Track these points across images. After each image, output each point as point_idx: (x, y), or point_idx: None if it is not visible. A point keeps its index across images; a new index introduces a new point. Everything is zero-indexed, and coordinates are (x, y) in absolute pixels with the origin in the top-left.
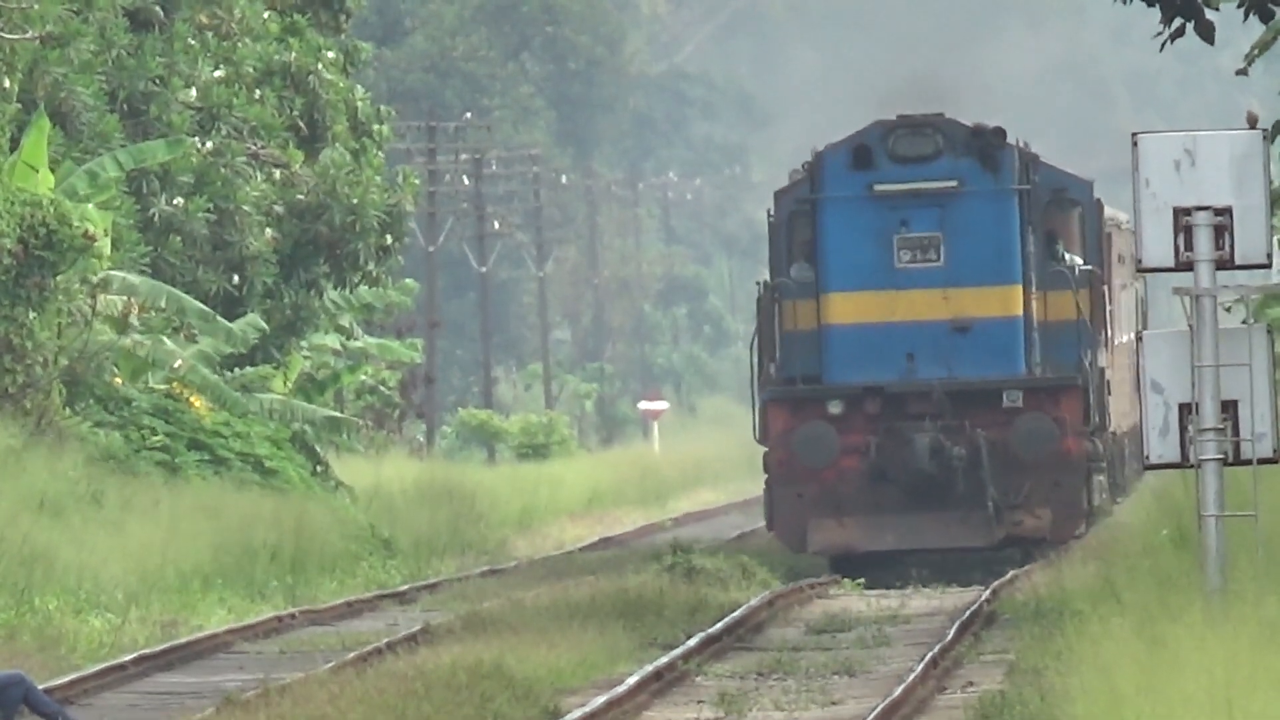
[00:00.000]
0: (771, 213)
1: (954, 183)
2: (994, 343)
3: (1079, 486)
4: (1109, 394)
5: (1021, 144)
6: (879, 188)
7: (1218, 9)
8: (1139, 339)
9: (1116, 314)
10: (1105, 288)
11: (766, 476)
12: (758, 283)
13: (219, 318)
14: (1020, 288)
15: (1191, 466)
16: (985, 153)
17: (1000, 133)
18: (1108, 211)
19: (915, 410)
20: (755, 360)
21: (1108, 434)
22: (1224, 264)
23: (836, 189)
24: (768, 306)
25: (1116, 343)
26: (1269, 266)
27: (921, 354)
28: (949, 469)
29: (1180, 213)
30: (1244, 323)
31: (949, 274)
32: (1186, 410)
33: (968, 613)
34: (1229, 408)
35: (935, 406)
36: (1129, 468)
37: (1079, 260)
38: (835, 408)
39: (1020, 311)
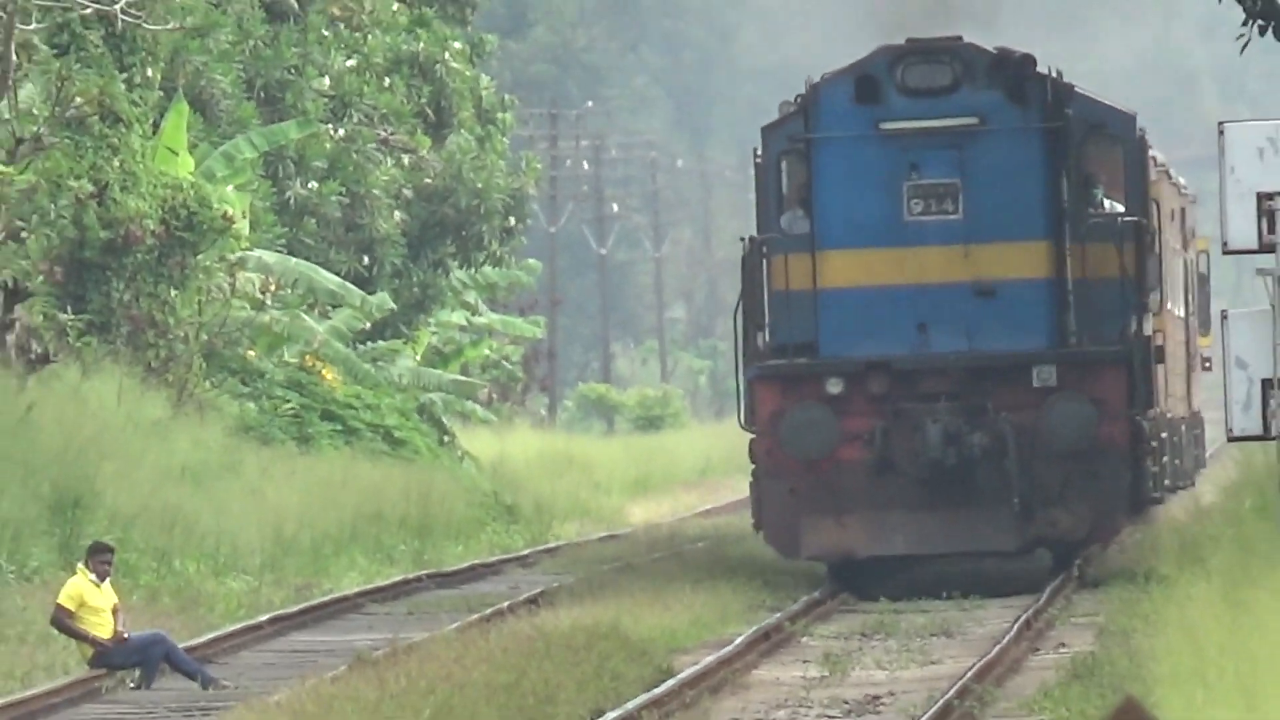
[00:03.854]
0: (759, 152)
1: (974, 120)
2: (1021, 309)
3: (1122, 479)
4: (1159, 363)
5: (1054, 72)
6: (886, 126)
7: None
8: (1224, 317)
9: (1169, 275)
10: (1153, 240)
11: (753, 468)
12: (741, 239)
13: (351, 288)
14: (1052, 244)
15: (1274, 439)
16: (1011, 84)
17: (1029, 60)
18: (1159, 159)
19: (928, 389)
20: (739, 331)
21: (1157, 415)
22: None
23: (836, 127)
24: (754, 265)
25: (1168, 310)
26: None
27: (936, 323)
28: (968, 459)
29: (1263, 197)
30: None
31: (968, 228)
32: (1268, 385)
33: (1060, 578)
34: None
35: (952, 385)
36: (1188, 457)
37: (1120, 208)
38: (834, 387)
39: (1052, 272)
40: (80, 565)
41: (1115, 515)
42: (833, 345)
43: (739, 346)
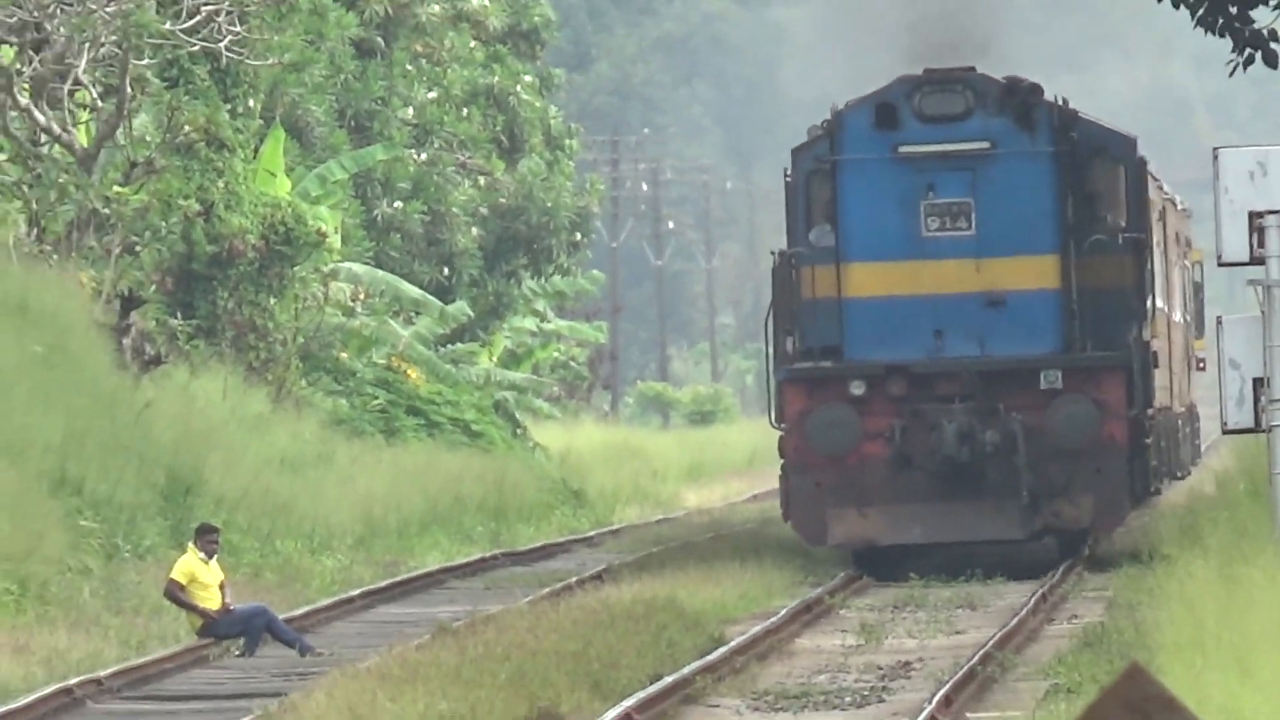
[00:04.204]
0: (789, 172)
1: (986, 144)
2: (1030, 318)
3: (1122, 474)
4: (1156, 367)
5: (1060, 100)
6: (904, 149)
7: None
8: (1219, 323)
9: (1167, 284)
10: (1151, 254)
11: (782, 463)
12: (773, 252)
13: (432, 298)
14: (1059, 258)
15: (1264, 431)
16: (1020, 111)
17: (1037, 89)
18: (1157, 179)
19: (944, 391)
20: (770, 336)
21: (1156, 413)
22: None
23: (858, 150)
24: (784, 276)
25: (1166, 316)
26: None
27: (951, 330)
28: (980, 455)
29: (1254, 215)
30: None
31: (980, 243)
32: (1259, 384)
33: (1072, 559)
34: None
35: (966, 387)
36: (1185, 449)
37: (1121, 223)
38: (857, 388)
39: (1059, 284)
40: (190, 544)
41: (1116, 507)
42: (856, 350)
43: (769, 351)
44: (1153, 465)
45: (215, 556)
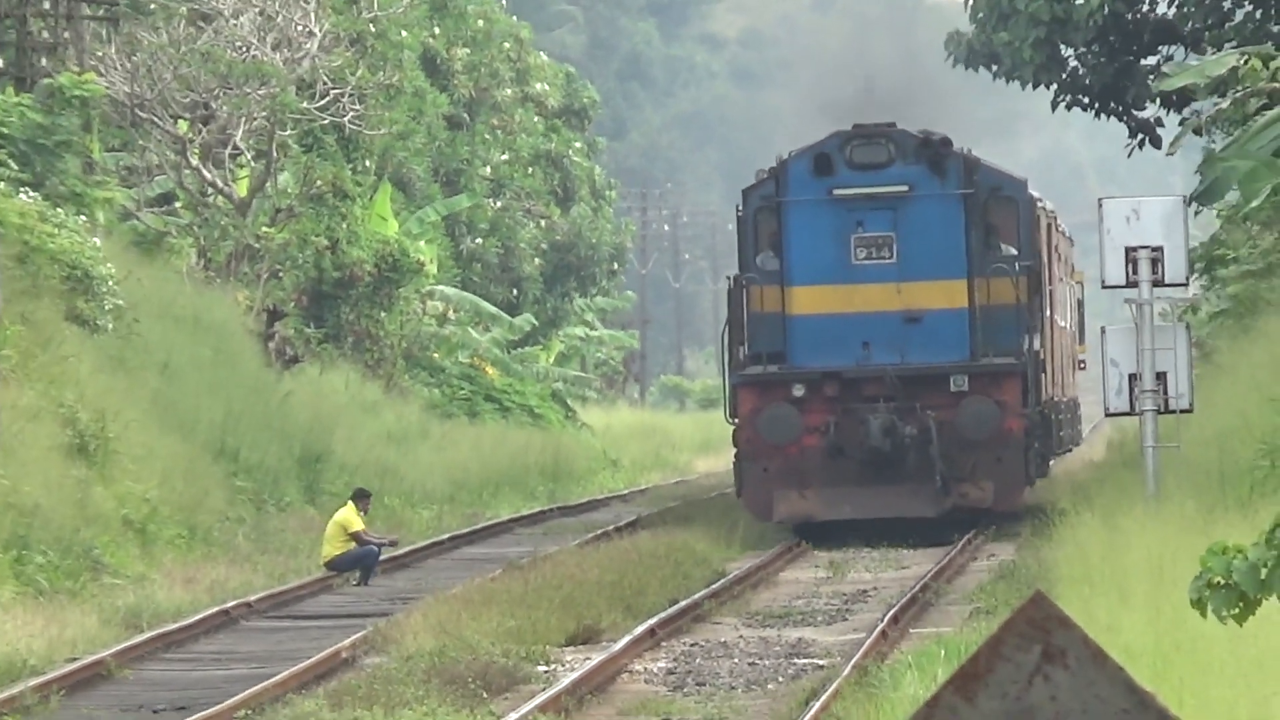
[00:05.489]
0: (740, 208)
1: (905, 187)
2: (942, 332)
3: (1019, 461)
4: (1045, 374)
5: (965, 150)
6: (837, 192)
7: (1162, 124)
8: (1103, 331)
9: (1055, 299)
10: (1042, 275)
11: (736, 451)
12: (728, 276)
13: (503, 313)
14: (966, 282)
15: (1136, 414)
16: (933, 159)
17: (947, 141)
18: (1054, 213)
19: (870, 393)
20: (726, 346)
21: (1044, 410)
22: (1157, 284)
23: (800, 193)
24: (737, 296)
25: (1053, 324)
26: (1187, 285)
27: (876, 342)
28: (901, 446)
29: (1129, 250)
30: (1169, 321)
31: (901, 269)
32: (1134, 378)
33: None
34: (1161, 377)
35: (888, 390)
36: (1068, 430)
37: (1014, 251)
38: (798, 390)
39: (966, 303)
40: (350, 503)
41: (1014, 489)
42: (798, 358)
43: (724, 359)
44: (1042, 453)
45: (367, 511)
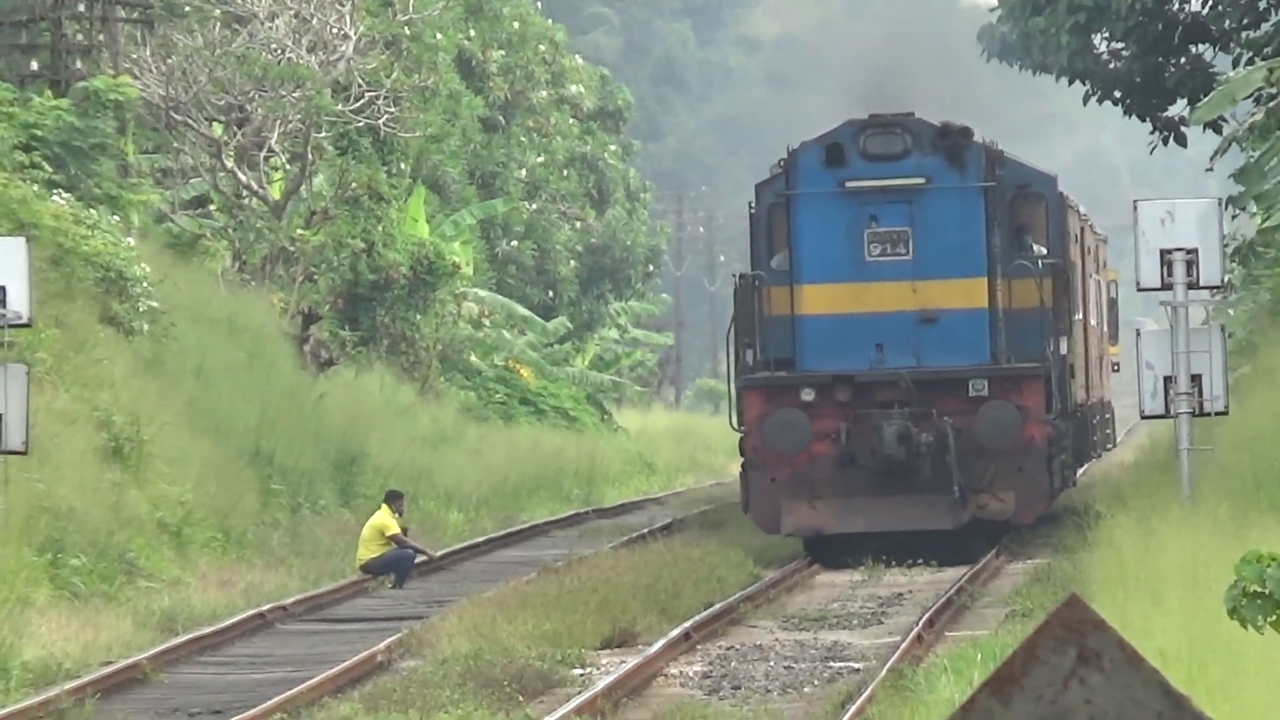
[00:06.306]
0: (753, 205)
1: (922, 180)
2: (961, 333)
3: (1041, 471)
4: (1073, 378)
5: (987, 141)
6: (850, 184)
7: (1185, 122)
8: (1138, 334)
9: (1086, 299)
10: (1070, 276)
11: (742, 460)
12: (733, 275)
13: (537, 317)
14: (986, 280)
15: (1172, 417)
16: (952, 151)
17: (967, 132)
18: (1083, 210)
19: (884, 398)
20: (732, 349)
21: (1072, 415)
22: (1193, 285)
23: (810, 185)
24: (746, 296)
25: (1084, 325)
26: (1222, 288)
27: (890, 344)
28: (916, 455)
29: (1164, 252)
30: (1205, 324)
31: (917, 267)
32: (1169, 380)
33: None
34: (1196, 379)
35: (903, 395)
36: (1099, 434)
37: (1043, 251)
38: (807, 395)
39: (986, 303)
40: (385, 506)
41: (1036, 501)
42: (807, 361)
43: (730, 363)
44: (1067, 461)
45: (402, 514)
